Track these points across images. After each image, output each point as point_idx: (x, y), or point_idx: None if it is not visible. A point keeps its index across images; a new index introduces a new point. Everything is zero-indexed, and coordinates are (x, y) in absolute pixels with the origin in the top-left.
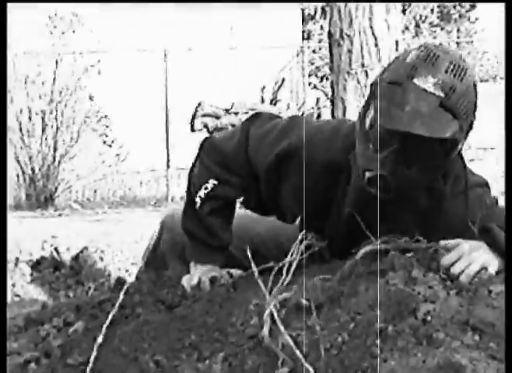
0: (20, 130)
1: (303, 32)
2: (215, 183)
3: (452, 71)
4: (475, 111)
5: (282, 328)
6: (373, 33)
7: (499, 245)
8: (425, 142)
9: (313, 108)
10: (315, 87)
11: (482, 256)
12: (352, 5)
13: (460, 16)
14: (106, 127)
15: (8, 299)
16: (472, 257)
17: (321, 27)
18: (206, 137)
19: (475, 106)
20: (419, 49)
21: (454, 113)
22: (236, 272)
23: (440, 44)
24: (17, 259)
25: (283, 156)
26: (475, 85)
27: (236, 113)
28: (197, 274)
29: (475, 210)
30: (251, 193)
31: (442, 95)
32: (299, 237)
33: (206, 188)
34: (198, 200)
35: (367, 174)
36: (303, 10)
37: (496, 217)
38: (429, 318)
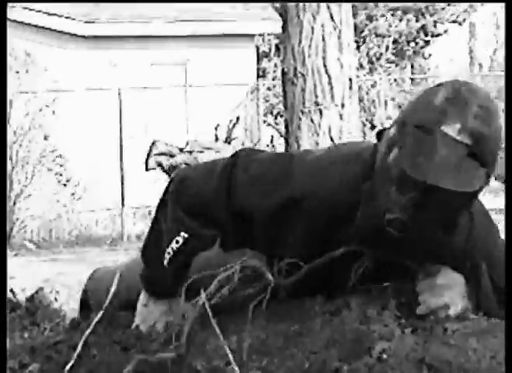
0: None
1: (258, 69)
2: (186, 236)
3: (481, 116)
4: (498, 153)
5: (236, 369)
6: (326, 72)
7: (477, 290)
8: (450, 193)
9: (267, 145)
10: (270, 125)
11: (452, 294)
12: (305, 44)
13: (414, 53)
14: (61, 166)
15: None
16: (442, 292)
17: (276, 65)
18: (177, 173)
19: (500, 148)
20: (446, 88)
21: (481, 161)
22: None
23: (469, 82)
24: None
25: (288, 205)
26: (500, 127)
27: (190, 152)
28: (151, 318)
29: (479, 246)
30: (230, 236)
31: (470, 143)
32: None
33: (177, 242)
34: (167, 255)
35: (388, 215)
36: (257, 48)
37: (496, 253)
38: (384, 356)
